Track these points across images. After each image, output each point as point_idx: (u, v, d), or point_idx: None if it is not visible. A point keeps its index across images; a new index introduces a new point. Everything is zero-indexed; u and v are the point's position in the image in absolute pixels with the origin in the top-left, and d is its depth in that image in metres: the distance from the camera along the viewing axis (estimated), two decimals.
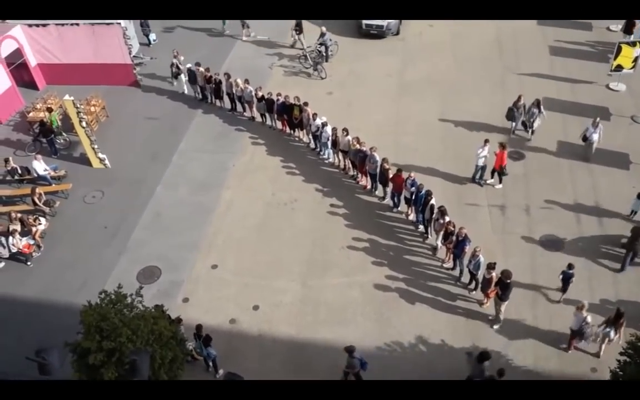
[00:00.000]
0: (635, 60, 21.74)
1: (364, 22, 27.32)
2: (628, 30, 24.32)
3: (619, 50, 21.71)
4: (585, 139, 19.17)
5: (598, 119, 18.87)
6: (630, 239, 15.85)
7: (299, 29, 27.28)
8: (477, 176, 19.11)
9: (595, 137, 18.86)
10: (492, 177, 19.11)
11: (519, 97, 20.21)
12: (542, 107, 19.85)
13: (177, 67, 24.15)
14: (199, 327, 14.20)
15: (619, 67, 22.08)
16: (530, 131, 20.52)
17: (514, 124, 20.69)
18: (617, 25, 26.38)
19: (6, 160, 20.30)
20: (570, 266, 15.08)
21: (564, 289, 15.37)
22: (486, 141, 18.58)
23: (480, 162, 18.62)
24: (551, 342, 14.65)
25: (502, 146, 18.55)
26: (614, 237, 16.97)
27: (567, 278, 15.16)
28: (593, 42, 25.99)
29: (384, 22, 26.98)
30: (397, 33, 27.76)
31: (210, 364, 14.38)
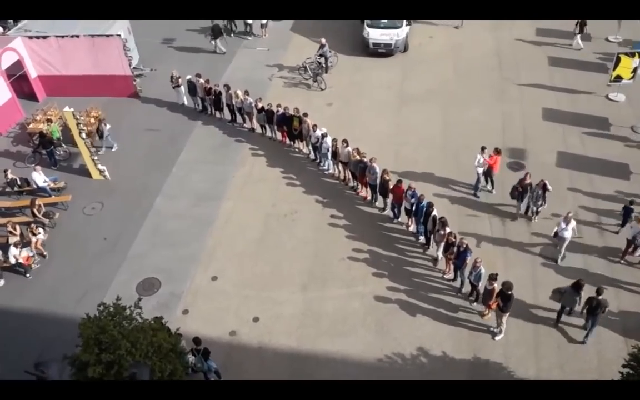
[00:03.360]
0: (635, 70, 21.80)
1: (371, 41, 26.89)
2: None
3: (618, 60, 21.78)
4: (556, 234, 16.47)
5: (571, 213, 16.32)
6: None
7: (213, 34, 27.80)
8: (474, 187, 19.17)
9: (567, 234, 16.18)
10: (487, 183, 19.24)
11: (526, 176, 17.61)
12: (547, 184, 17.27)
13: (177, 79, 24.17)
14: (197, 341, 14.08)
15: (618, 78, 22.15)
16: (533, 214, 18.03)
17: (519, 203, 18.01)
18: (615, 36, 26.53)
19: (5, 172, 20.27)
20: (632, 202, 16.83)
21: (623, 222, 16.98)
22: (483, 149, 18.60)
23: (480, 171, 18.67)
24: (553, 353, 14.57)
25: (497, 151, 18.64)
26: (615, 248, 16.95)
27: (628, 212, 16.71)
28: (592, 53, 26.07)
29: (391, 41, 26.63)
30: (405, 50, 27.36)
31: (212, 379, 14.22)
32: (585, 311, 14.51)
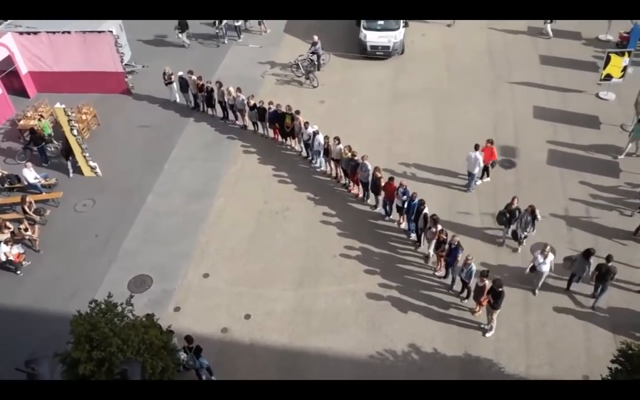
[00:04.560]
0: (624, 69, 21.97)
1: (369, 44, 26.41)
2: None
3: (608, 59, 21.94)
4: (533, 269, 15.60)
5: (548, 247, 15.29)
6: None
7: (180, 28, 28.07)
8: (468, 182, 19.27)
9: (544, 268, 15.30)
10: (481, 179, 19.37)
11: (513, 200, 16.70)
12: (537, 213, 16.24)
13: (169, 76, 24.10)
14: (189, 339, 14.08)
15: (609, 77, 22.30)
16: (519, 241, 17.05)
17: (505, 228, 17.28)
18: (605, 35, 26.69)
19: None
20: None
21: None
22: (476, 146, 18.66)
23: (476, 170, 18.72)
24: (543, 350, 14.69)
25: (490, 142, 18.82)
26: (606, 246, 17.07)
27: None
28: (583, 52, 26.21)
29: (389, 43, 26.23)
30: (402, 52, 26.94)
31: (204, 376, 14.27)
32: (594, 278, 15.16)
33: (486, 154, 18.73)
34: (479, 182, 19.37)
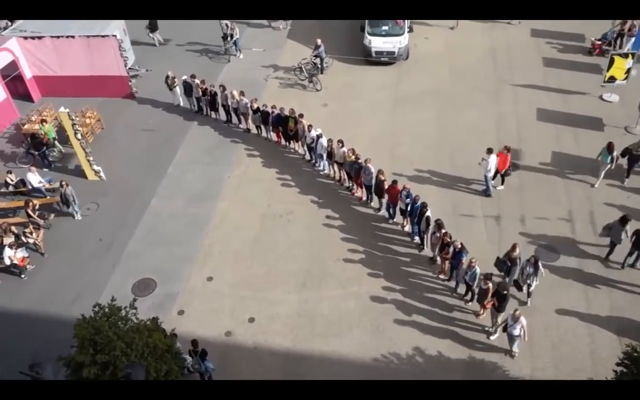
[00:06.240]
0: (628, 71, 21.92)
1: (373, 49, 26.22)
2: None
3: (612, 61, 21.89)
4: (505, 329, 14.36)
5: (518, 311, 14.00)
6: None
7: (151, 28, 28.50)
8: (488, 187, 19.09)
9: (515, 332, 14.05)
10: (493, 179, 19.24)
11: (514, 247, 15.46)
12: (540, 264, 15.02)
13: (173, 80, 24.15)
14: (194, 343, 14.10)
15: (612, 79, 22.25)
16: (527, 293, 15.62)
17: (506, 278, 15.81)
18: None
19: (9, 172, 20.46)
20: None
21: None
22: (490, 150, 18.55)
23: (489, 175, 18.67)
24: (547, 353, 14.64)
25: (507, 149, 18.69)
26: (607, 248, 17.03)
27: None
28: (586, 54, 26.16)
29: (394, 49, 26.06)
30: (407, 57, 26.75)
31: (207, 379, 14.27)
32: (632, 243, 15.84)
33: (501, 161, 18.66)
34: (491, 182, 19.20)
